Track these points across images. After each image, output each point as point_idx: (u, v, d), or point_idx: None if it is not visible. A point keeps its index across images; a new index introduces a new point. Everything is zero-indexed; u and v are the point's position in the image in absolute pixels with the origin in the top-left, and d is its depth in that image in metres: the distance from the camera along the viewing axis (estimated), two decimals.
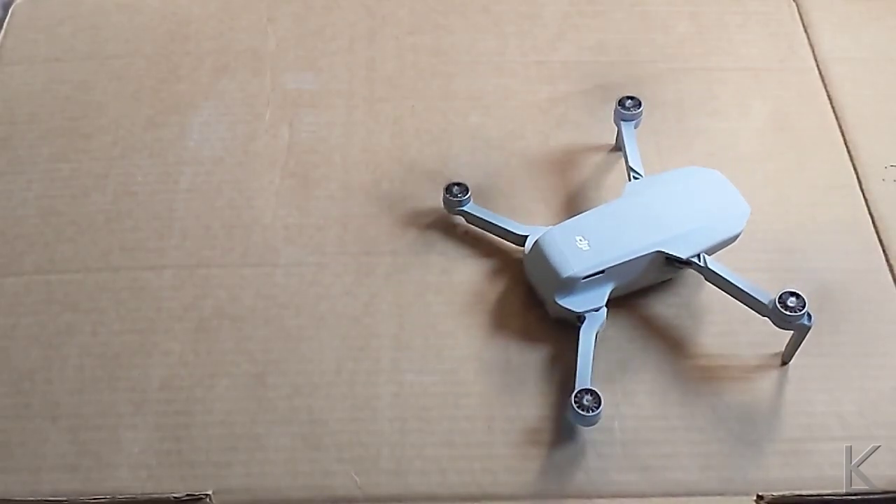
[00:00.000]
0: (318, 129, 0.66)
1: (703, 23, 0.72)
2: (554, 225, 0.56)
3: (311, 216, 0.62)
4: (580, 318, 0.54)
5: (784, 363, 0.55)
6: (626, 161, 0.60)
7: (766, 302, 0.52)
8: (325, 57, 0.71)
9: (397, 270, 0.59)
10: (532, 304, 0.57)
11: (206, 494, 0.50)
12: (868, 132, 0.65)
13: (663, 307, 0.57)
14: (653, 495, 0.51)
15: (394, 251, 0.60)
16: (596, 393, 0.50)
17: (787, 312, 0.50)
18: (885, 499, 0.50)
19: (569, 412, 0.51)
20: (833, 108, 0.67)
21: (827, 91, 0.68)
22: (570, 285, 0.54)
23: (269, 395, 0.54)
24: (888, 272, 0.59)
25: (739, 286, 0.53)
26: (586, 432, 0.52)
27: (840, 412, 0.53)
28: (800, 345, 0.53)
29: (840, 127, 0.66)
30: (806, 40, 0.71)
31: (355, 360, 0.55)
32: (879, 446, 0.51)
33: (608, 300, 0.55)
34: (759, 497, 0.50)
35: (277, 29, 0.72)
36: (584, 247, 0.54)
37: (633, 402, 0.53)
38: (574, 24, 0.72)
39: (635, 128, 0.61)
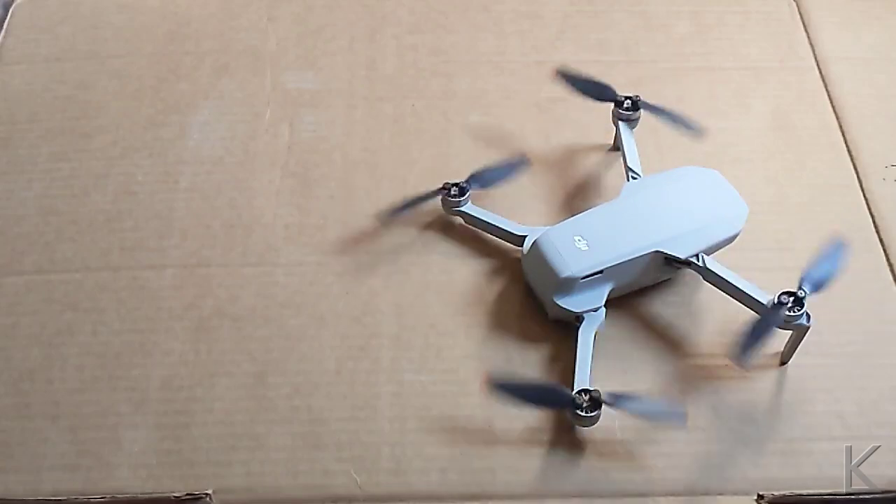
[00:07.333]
0: (319, 129, 0.66)
1: (703, 23, 0.72)
2: (553, 225, 0.56)
3: (311, 216, 0.62)
4: (579, 318, 0.54)
5: (783, 363, 0.55)
6: (625, 161, 0.60)
7: (764, 302, 0.52)
8: (325, 56, 0.71)
9: (397, 270, 0.59)
10: (532, 304, 0.57)
11: (206, 494, 0.50)
12: (868, 132, 0.65)
13: (662, 307, 0.57)
14: (653, 495, 0.51)
15: (394, 251, 0.60)
16: (595, 393, 0.50)
17: (786, 312, 0.50)
18: (885, 499, 0.50)
19: (568, 412, 0.51)
20: (833, 107, 0.67)
21: (827, 91, 0.68)
22: (569, 285, 0.54)
23: (269, 394, 0.54)
24: (888, 272, 0.59)
25: (738, 286, 0.53)
26: (586, 432, 0.52)
27: (840, 412, 0.53)
28: (799, 344, 0.53)
29: (840, 127, 0.66)
30: (806, 40, 0.71)
31: (355, 359, 0.55)
32: (879, 446, 0.51)
33: (607, 300, 0.55)
34: (760, 497, 0.50)
35: (277, 28, 0.72)
36: (582, 247, 0.54)
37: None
38: (574, 24, 0.72)
39: (633, 128, 0.61)
